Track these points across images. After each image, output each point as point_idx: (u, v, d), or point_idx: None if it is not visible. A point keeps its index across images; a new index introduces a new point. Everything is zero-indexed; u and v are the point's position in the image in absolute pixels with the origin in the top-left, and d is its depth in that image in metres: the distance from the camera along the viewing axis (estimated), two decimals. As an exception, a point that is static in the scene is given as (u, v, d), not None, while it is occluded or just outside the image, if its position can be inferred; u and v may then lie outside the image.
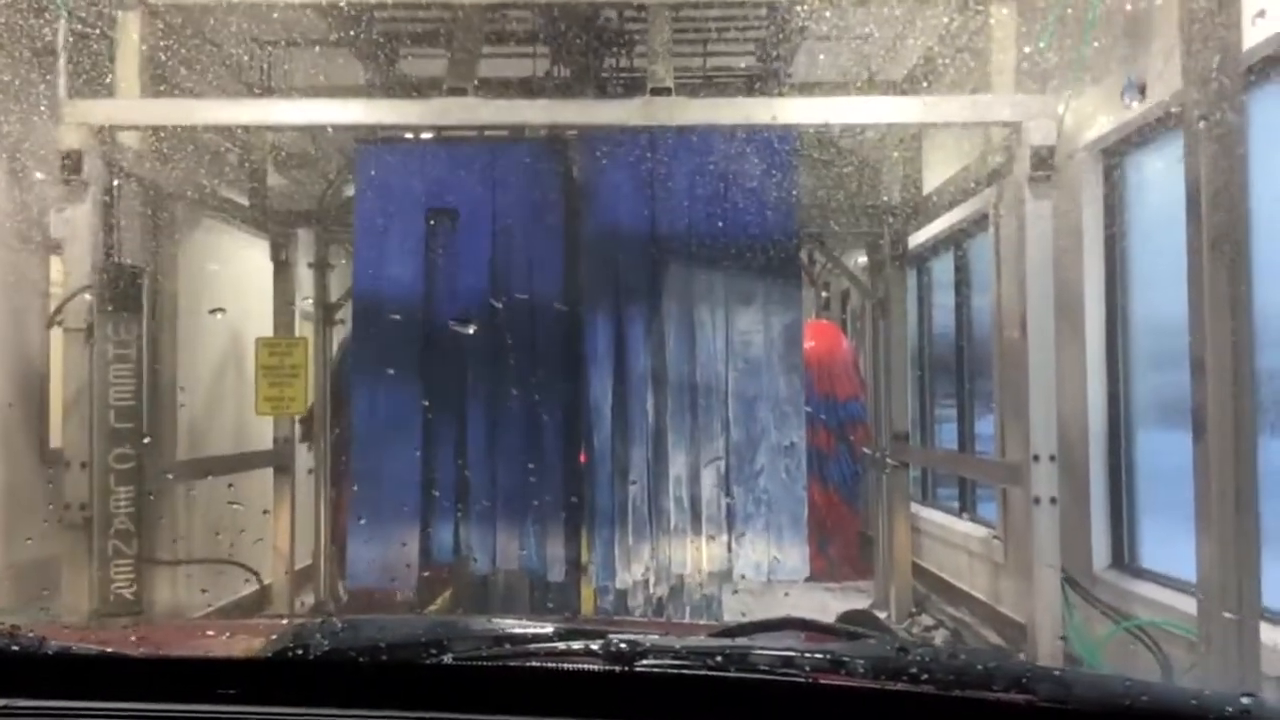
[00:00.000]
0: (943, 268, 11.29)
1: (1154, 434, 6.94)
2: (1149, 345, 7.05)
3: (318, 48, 8.19)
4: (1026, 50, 6.38)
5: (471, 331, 6.47)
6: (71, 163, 5.88)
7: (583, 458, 6.67)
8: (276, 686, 1.59)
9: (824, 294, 13.56)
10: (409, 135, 7.25)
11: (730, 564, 6.46)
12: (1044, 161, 5.88)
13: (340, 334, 9.61)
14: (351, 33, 7.48)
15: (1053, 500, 5.66)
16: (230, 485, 9.02)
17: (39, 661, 1.66)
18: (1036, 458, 5.73)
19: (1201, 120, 3.86)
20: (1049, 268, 5.94)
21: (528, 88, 7.39)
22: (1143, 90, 5.34)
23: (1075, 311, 7.12)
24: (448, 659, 1.67)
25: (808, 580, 6.56)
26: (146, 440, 6.25)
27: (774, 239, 6.60)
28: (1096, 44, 6.40)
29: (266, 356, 8.82)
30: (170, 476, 7.36)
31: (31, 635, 1.73)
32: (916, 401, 11.33)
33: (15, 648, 1.68)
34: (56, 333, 6.26)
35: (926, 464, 11.04)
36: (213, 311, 8.82)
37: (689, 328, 6.56)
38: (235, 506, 8.77)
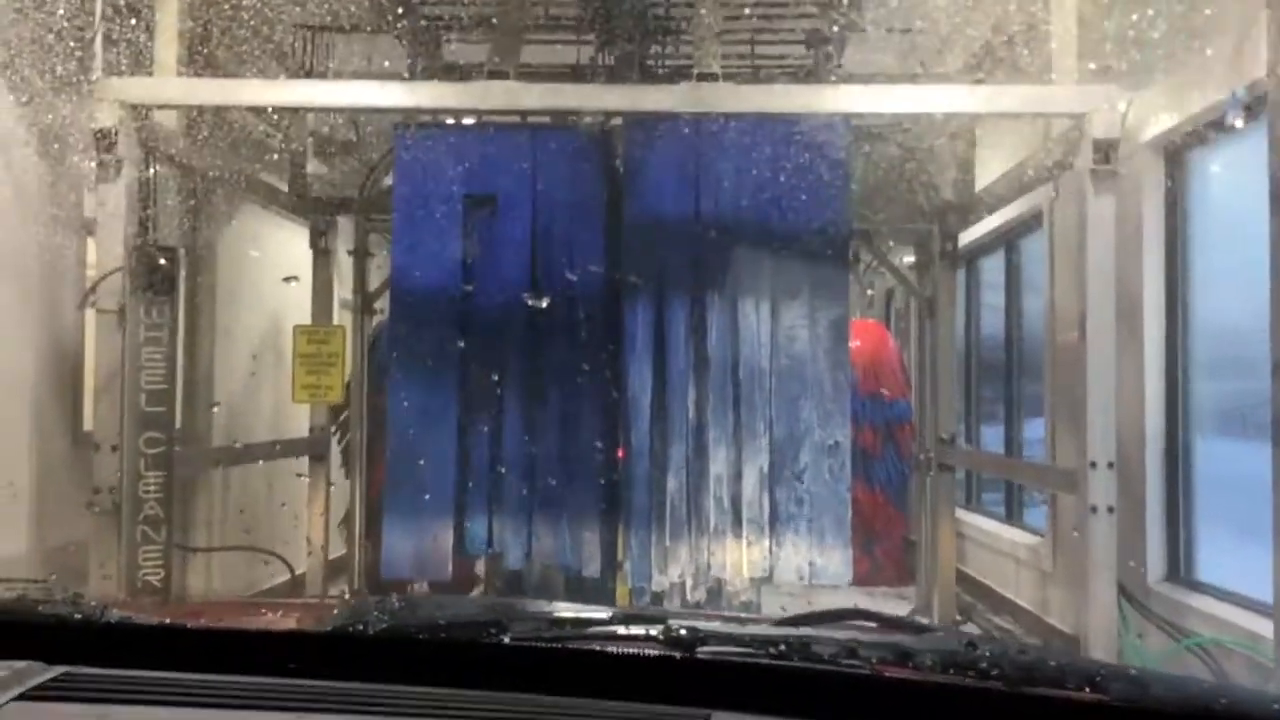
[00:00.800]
0: (992, 267, 11.05)
1: (1213, 442, 6.70)
2: (1210, 350, 6.82)
3: (362, 32, 8.11)
4: (1089, 40, 6.14)
5: (544, 305, 6.33)
6: (105, 141, 5.78)
7: (620, 453, 6.49)
8: (337, 661, 1.59)
9: (869, 291, 13.33)
10: (450, 121, 7.11)
11: (770, 567, 6.26)
12: (1107, 155, 5.64)
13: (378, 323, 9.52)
14: (395, 18, 7.36)
15: (1110, 509, 5.42)
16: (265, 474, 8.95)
17: (100, 630, 1.67)
18: (1094, 464, 5.49)
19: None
20: (1110, 267, 5.70)
21: (572, 74, 7.22)
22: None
23: (1133, 314, 6.89)
24: (506, 639, 1.66)
25: (850, 585, 6.33)
26: (178, 426, 6.17)
27: (822, 232, 6.39)
28: (1160, 35, 6.17)
29: (304, 344, 8.73)
30: (202, 462, 7.24)
31: (94, 604, 1.75)
32: (963, 403, 11.10)
33: (78, 615, 1.69)
34: (91, 314, 6.17)
35: (976, 468, 10.80)
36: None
37: (732, 321, 6.36)
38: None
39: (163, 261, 5.63)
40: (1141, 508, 6.74)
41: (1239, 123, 5.27)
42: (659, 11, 7.03)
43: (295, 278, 9.00)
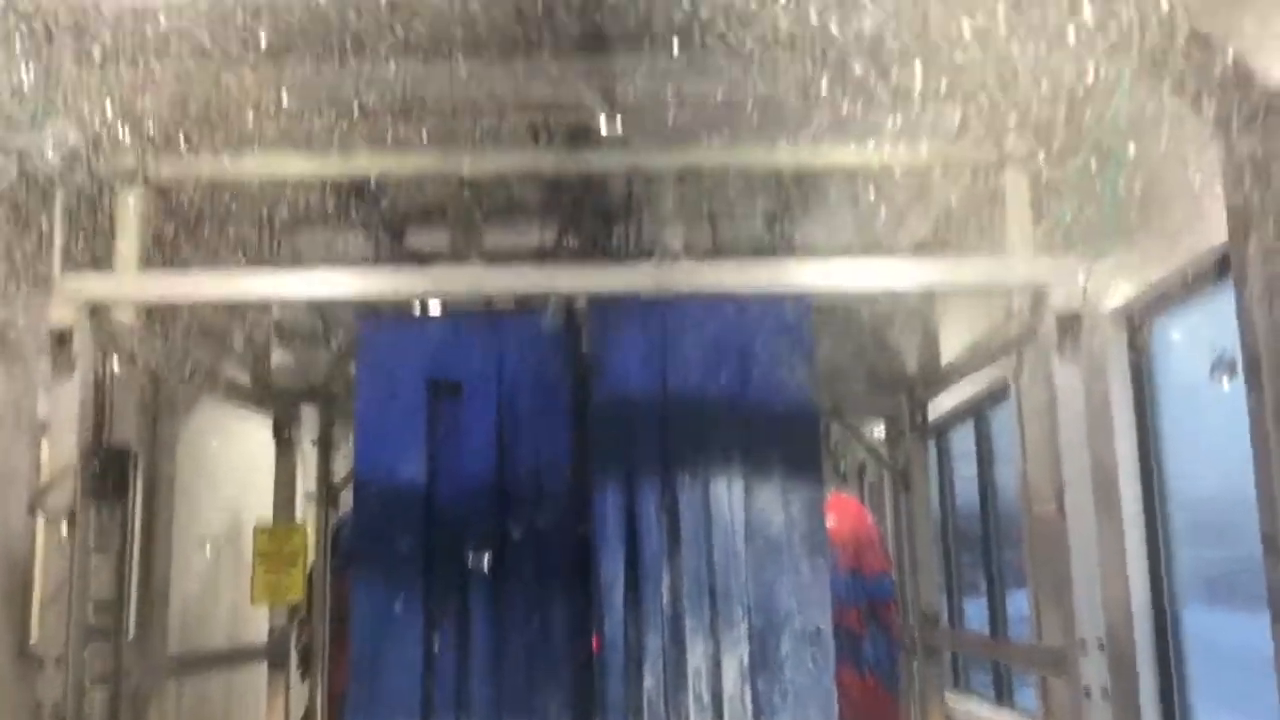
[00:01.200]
0: (963, 439, 11.01)
1: (1203, 613, 6.53)
2: (1189, 518, 6.72)
3: (323, 225, 8.16)
4: (1044, 215, 6.24)
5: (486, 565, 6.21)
6: (60, 340, 5.67)
7: (595, 646, 6.23)
8: None
9: (842, 465, 13.24)
10: (414, 310, 7.09)
11: (755, 764, 5.93)
12: (1070, 327, 5.65)
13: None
14: (356, 208, 7.42)
15: (1105, 691, 5.20)
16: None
17: None
18: (1084, 644, 5.30)
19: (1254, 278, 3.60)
20: (1083, 442, 5.65)
21: (536, 258, 7.26)
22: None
23: (1108, 484, 6.80)
24: None
25: (841, 780, 6.01)
26: (130, 636, 5.87)
27: (792, 410, 6.31)
28: (1115, 203, 6.26)
29: (264, 543, 8.50)
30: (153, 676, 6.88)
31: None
32: (943, 577, 10.89)
33: None
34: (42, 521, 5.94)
35: (961, 649, 10.51)
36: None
37: (704, 504, 6.20)
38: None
39: (116, 462, 5.44)
40: (1134, 686, 6.50)
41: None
42: (620, 193, 7.12)
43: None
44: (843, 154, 6.31)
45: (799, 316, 6.36)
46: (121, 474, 5.50)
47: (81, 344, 5.76)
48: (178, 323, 7.29)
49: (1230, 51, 4.25)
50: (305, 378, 9.37)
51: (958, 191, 6.56)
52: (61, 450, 5.65)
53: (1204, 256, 5.51)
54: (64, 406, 5.70)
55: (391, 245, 7.75)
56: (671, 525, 6.20)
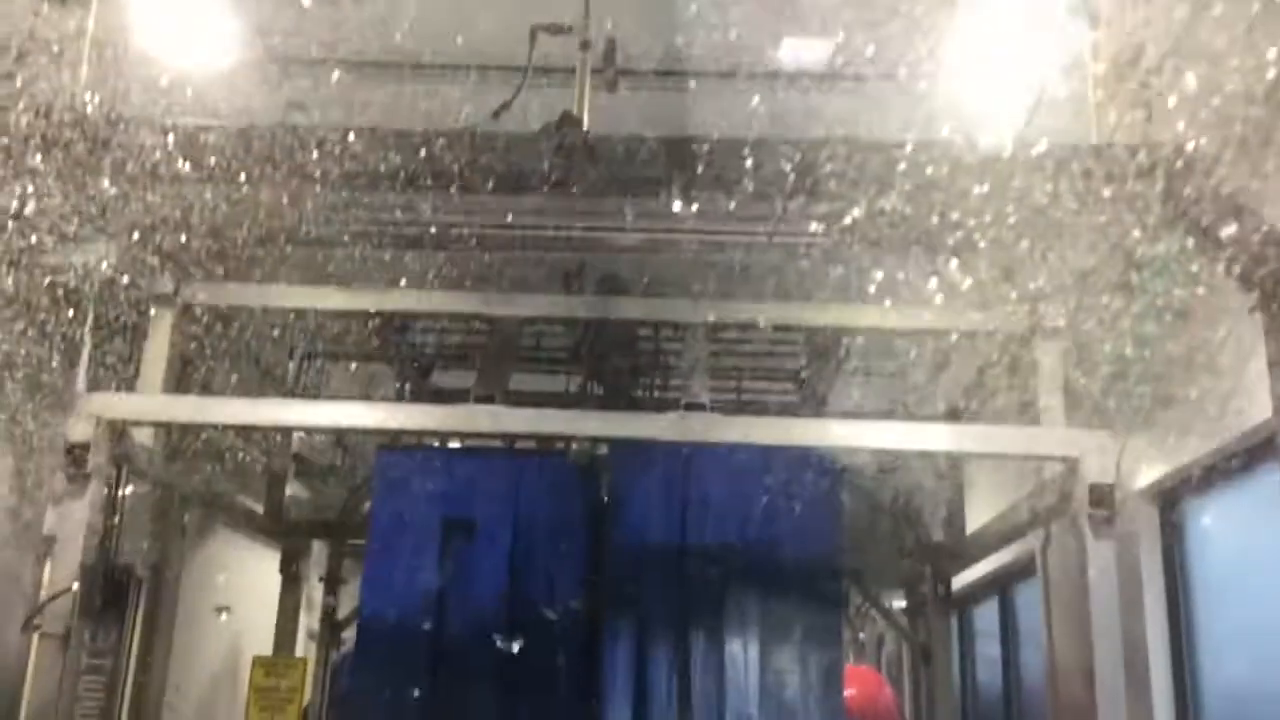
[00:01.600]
0: (984, 616, 10.67)
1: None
2: (1224, 710, 6.40)
3: (351, 359, 8.18)
4: (1078, 381, 6.15)
5: (516, 649, 5.99)
6: (76, 456, 5.62)
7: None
8: None
9: (860, 636, 12.87)
10: (435, 444, 7.02)
11: None
12: (1103, 500, 5.50)
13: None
14: (384, 345, 7.44)
15: None
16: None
17: None
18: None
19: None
20: (1116, 619, 5.44)
21: (559, 402, 7.21)
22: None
23: (1139, 671, 6.53)
24: None
25: None
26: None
27: (813, 569, 6.15)
28: (1148, 377, 6.17)
29: (262, 677, 8.26)
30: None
31: None
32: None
33: None
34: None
35: None
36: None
37: (718, 662, 5.99)
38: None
39: (116, 582, 5.31)
40: None
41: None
42: (647, 345, 7.10)
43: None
44: (874, 315, 6.29)
45: (826, 474, 6.24)
46: (121, 595, 5.36)
47: (97, 462, 5.70)
48: (194, 448, 7.25)
49: (1268, 217, 4.23)
50: (318, 512, 9.27)
51: (989, 360, 6.51)
52: (65, 567, 5.54)
53: (1246, 436, 5.38)
54: (72, 523, 5.60)
55: (417, 383, 7.74)
56: (682, 683, 5.98)
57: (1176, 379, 5.96)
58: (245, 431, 8.38)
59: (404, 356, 7.47)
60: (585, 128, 4.11)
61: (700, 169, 4.19)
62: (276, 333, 7.19)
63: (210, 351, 6.82)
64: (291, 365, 7.96)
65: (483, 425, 5.82)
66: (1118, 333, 6.00)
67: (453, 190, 4.33)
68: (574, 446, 6.48)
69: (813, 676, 5.99)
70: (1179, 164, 4.17)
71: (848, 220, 4.27)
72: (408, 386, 7.66)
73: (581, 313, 6.50)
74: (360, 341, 7.20)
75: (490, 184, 4.28)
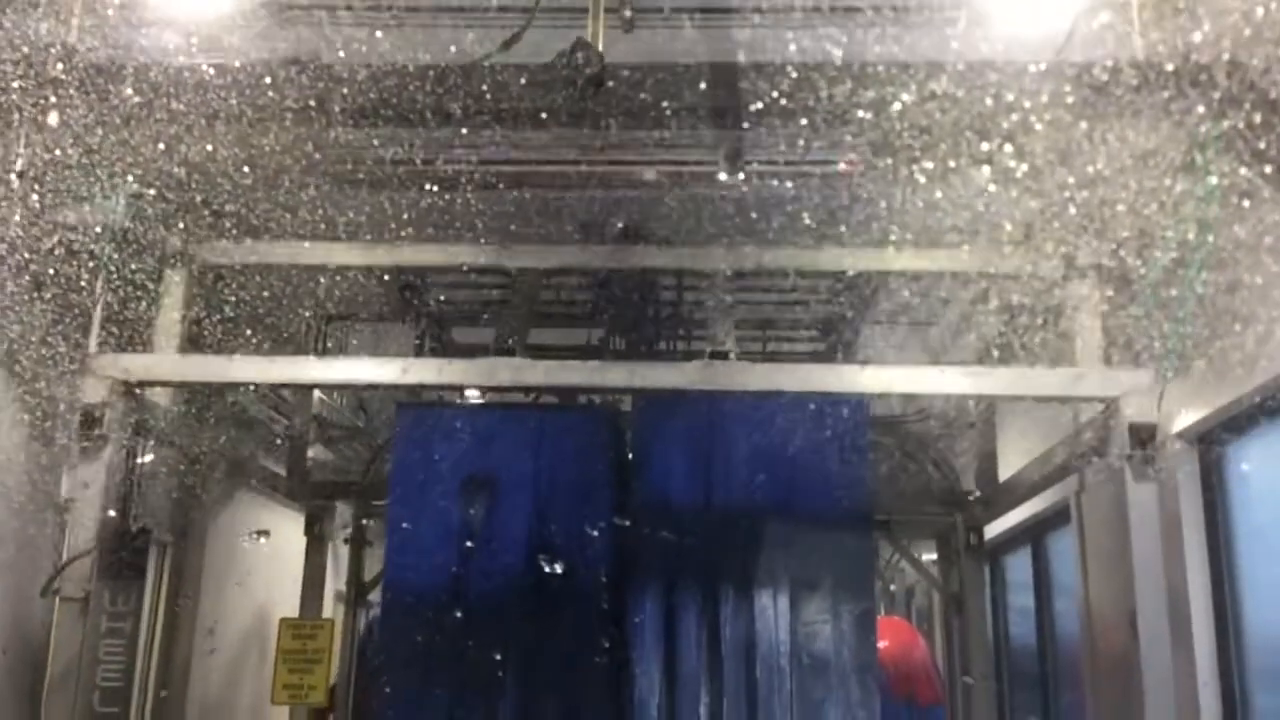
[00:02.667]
0: (1017, 565, 10.51)
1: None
2: (1267, 661, 6.24)
3: (372, 321, 8.05)
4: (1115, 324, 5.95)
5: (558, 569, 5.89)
6: (90, 418, 5.52)
7: (626, 765, 5.85)
8: None
9: (890, 588, 12.75)
10: (457, 401, 6.90)
11: None
12: (1145, 441, 5.32)
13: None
14: (404, 305, 7.30)
15: (1185, 840, 4.75)
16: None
17: None
18: (1164, 794, 4.86)
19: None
20: (1159, 563, 5.27)
21: (581, 355, 7.06)
22: None
23: (1180, 619, 6.37)
24: None
25: None
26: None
27: (843, 519, 6.00)
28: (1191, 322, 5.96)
29: (289, 639, 8.20)
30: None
31: None
32: (996, 715, 10.28)
33: None
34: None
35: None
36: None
37: (747, 616, 5.87)
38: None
39: (134, 544, 5.23)
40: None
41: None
42: (669, 295, 6.93)
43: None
44: (906, 258, 6.09)
45: (855, 422, 6.08)
46: (140, 558, 5.28)
47: (111, 424, 5.61)
48: (214, 409, 7.16)
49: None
50: (341, 473, 9.19)
51: (1025, 299, 6.30)
52: (83, 532, 5.46)
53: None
54: (89, 487, 5.52)
55: (437, 340, 7.61)
56: (711, 637, 5.86)
57: (1218, 316, 5.77)
58: (264, 392, 8.34)
59: (422, 313, 7.32)
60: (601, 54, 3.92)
61: (726, 97, 4.00)
62: (293, 293, 7.06)
63: (225, 315, 6.70)
64: (309, 327, 7.83)
65: (503, 378, 5.69)
66: (1157, 269, 5.80)
67: (465, 129, 4.16)
68: (594, 399, 6.34)
69: (845, 627, 5.86)
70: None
71: (881, 148, 4.08)
72: (428, 344, 7.52)
73: (602, 263, 6.32)
74: (377, 299, 7.06)
75: (502, 119, 4.10)
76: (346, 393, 9.29)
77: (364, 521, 9.03)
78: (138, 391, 5.85)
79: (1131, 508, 5.32)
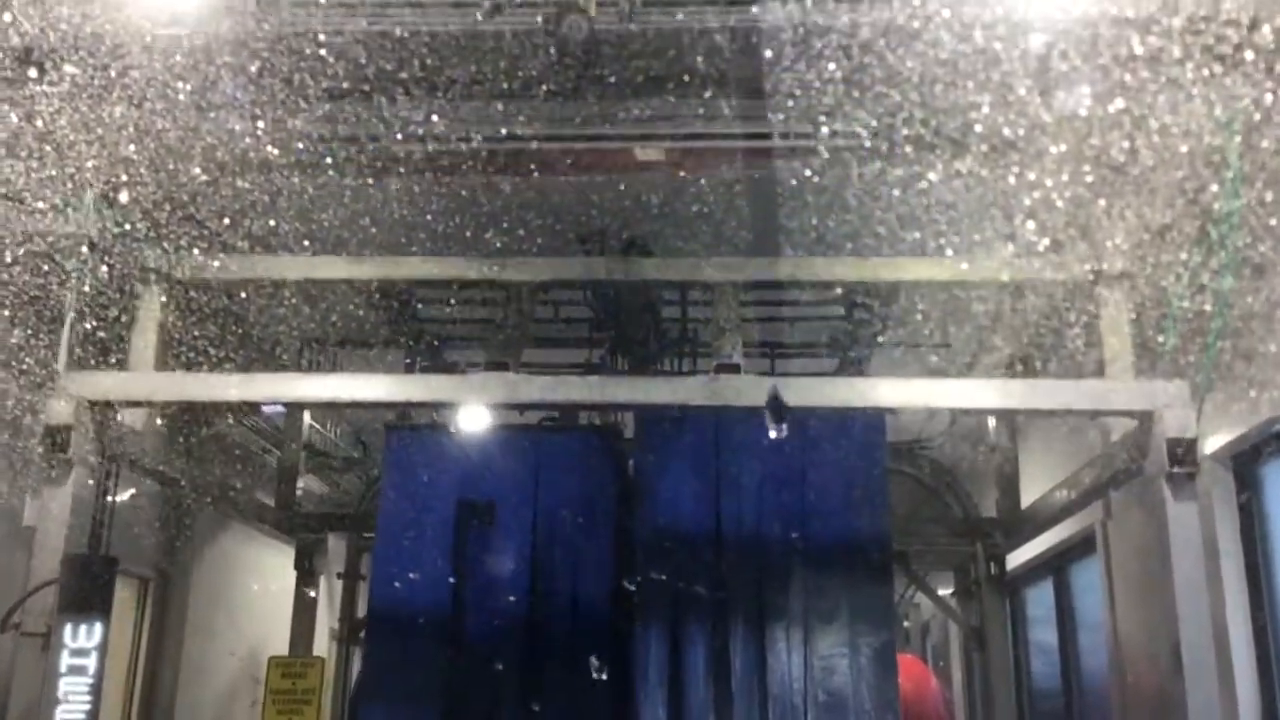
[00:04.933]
0: (1036, 598, 10.08)
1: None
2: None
3: (365, 346, 7.71)
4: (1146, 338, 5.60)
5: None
6: (56, 440, 5.18)
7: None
8: None
9: (905, 623, 12.31)
10: (449, 426, 6.54)
11: None
12: (1185, 458, 4.95)
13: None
14: (392, 322, 6.95)
15: None
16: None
17: None
18: (1214, 833, 4.45)
19: None
20: (1202, 584, 4.89)
21: (579, 371, 6.70)
22: None
23: (1218, 646, 5.97)
24: None
25: None
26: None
27: (861, 543, 5.62)
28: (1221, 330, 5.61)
29: (278, 678, 7.81)
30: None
31: None
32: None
33: None
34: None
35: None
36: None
37: (758, 649, 5.47)
38: None
39: (97, 574, 4.86)
40: None
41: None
42: (673, 312, 6.58)
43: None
44: (925, 268, 5.74)
45: (872, 439, 5.71)
46: (106, 590, 4.90)
47: (79, 446, 5.26)
48: (195, 434, 6.82)
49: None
50: (336, 504, 8.84)
51: (1049, 310, 5.95)
52: (46, 561, 5.10)
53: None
54: (53, 512, 5.17)
55: (430, 359, 7.26)
56: (721, 672, 5.46)
57: (1255, 330, 5.42)
58: (253, 422, 8.00)
59: (412, 333, 6.96)
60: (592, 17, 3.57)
61: (728, 64, 3.67)
62: (278, 315, 6.74)
63: (206, 340, 6.36)
64: (295, 345, 7.51)
65: (496, 395, 5.33)
66: (1189, 277, 5.46)
67: (445, 100, 3.83)
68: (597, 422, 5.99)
69: (863, 660, 5.46)
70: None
71: (902, 117, 3.75)
72: (418, 362, 7.18)
73: (601, 275, 5.97)
74: (363, 320, 6.71)
75: (487, 89, 3.77)
76: (339, 419, 8.97)
77: (358, 555, 8.67)
78: (110, 412, 5.50)
79: (1172, 529, 4.94)
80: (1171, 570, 4.94)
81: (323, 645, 8.63)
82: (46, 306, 5.67)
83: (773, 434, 5.08)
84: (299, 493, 8.30)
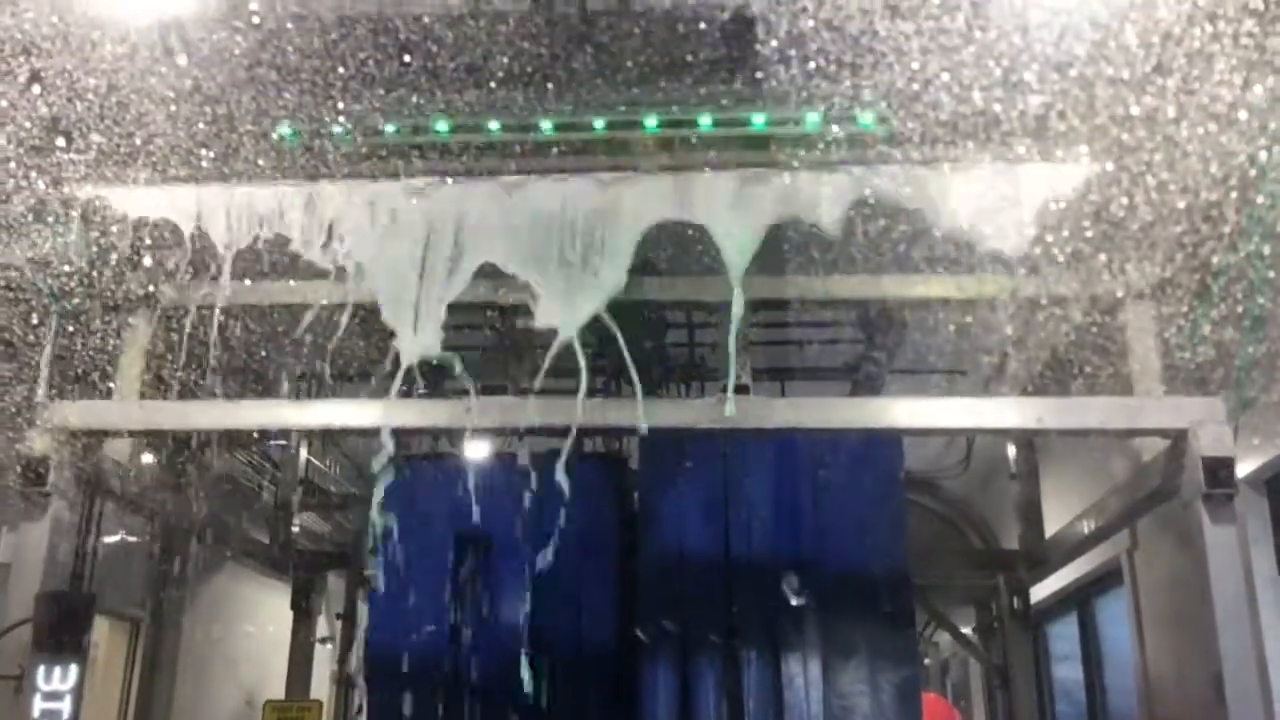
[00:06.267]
0: (1058, 634, 9.74)
1: None
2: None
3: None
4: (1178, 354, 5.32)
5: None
6: (34, 472, 4.94)
7: None
8: None
9: (924, 661, 11.95)
10: (446, 456, 6.29)
11: None
12: (1222, 477, 4.66)
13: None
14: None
15: None
16: None
17: None
18: None
19: None
20: (1245, 612, 4.59)
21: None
22: None
23: (1257, 681, 5.65)
24: None
25: None
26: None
27: (880, 576, 5.33)
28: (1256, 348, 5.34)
29: (274, 723, 7.52)
30: None
31: None
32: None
33: None
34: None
35: None
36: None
37: (772, 686, 5.18)
38: None
39: (73, 612, 4.60)
40: None
41: None
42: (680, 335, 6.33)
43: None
44: (945, 286, 5.48)
45: (889, 466, 5.44)
46: (78, 625, 4.64)
47: (58, 478, 5.02)
48: (185, 466, 6.58)
49: None
50: (335, 543, 8.58)
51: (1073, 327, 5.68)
52: (21, 598, 4.84)
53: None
54: (29, 547, 4.92)
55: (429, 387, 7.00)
56: (734, 711, 5.16)
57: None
58: (247, 450, 7.76)
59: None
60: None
61: (732, 46, 3.42)
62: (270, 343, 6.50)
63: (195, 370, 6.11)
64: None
65: (492, 419, 5.07)
66: (1217, 294, 5.21)
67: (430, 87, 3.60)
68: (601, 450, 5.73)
69: (885, 698, 5.16)
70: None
71: (919, 97, 3.51)
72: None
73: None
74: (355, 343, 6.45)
75: (474, 76, 3.54)
76: (338, 454, 8.73)
77: (356, 596, 8.39)
78: (92, 443, 5.27)
79: (1210, 553, 4.65)
80: (1210, 598, 4.63)
81: (322, 688, 8.34)
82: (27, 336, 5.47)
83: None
84: (295, 529, 8.06)
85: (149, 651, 7.56)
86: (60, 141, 5.00)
